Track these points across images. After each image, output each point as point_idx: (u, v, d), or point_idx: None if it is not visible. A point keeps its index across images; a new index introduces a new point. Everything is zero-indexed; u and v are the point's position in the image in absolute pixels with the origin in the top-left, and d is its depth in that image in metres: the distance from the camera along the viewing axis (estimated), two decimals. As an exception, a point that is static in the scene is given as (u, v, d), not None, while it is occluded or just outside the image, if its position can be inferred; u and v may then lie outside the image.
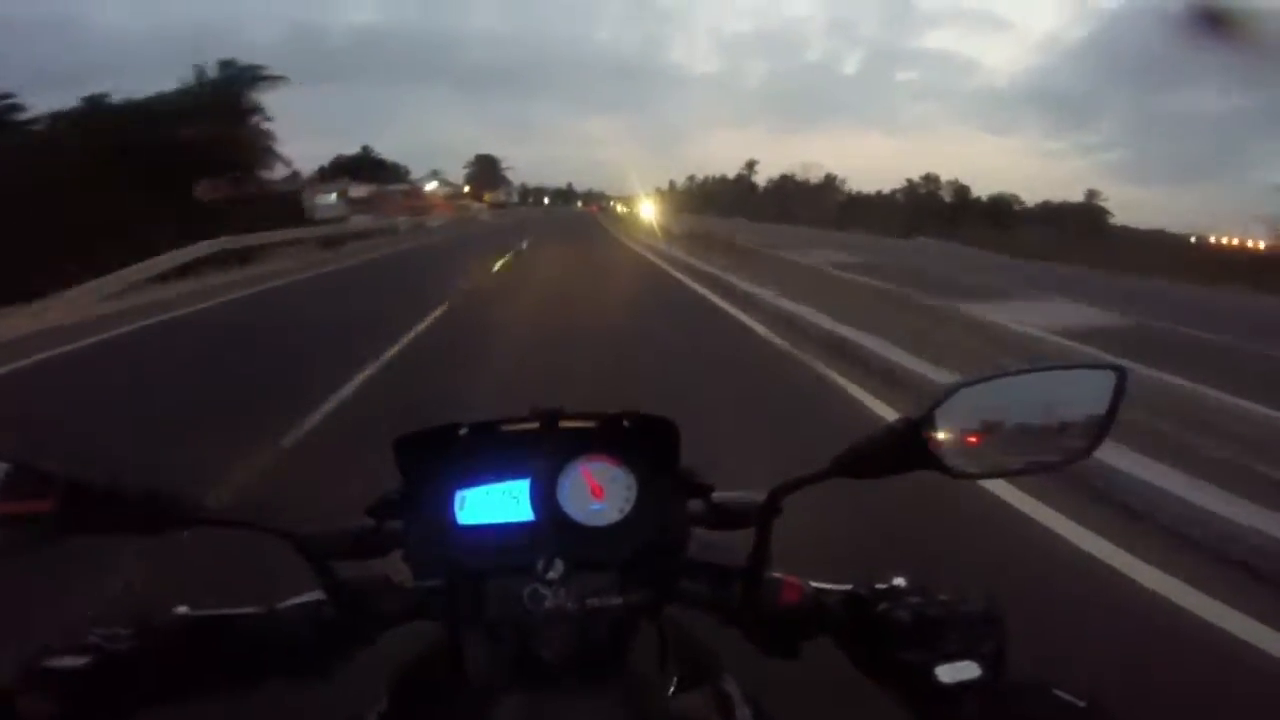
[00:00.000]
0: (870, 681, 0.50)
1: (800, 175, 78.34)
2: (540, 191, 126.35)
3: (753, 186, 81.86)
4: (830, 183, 79.07)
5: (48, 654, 0.43)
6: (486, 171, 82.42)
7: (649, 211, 28.83)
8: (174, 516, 0.46)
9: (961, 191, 68.83)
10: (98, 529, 0.44)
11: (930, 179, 72.26)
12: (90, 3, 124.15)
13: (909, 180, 73.44)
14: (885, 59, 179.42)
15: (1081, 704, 0.42)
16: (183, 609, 0.49)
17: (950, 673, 0.45)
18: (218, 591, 0.57)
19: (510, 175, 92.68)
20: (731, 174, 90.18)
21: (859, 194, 76.53)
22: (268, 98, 24.36)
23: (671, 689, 0.53)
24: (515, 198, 75.46)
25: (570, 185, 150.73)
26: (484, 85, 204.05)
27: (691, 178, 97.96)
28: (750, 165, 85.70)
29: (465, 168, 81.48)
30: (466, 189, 63.88)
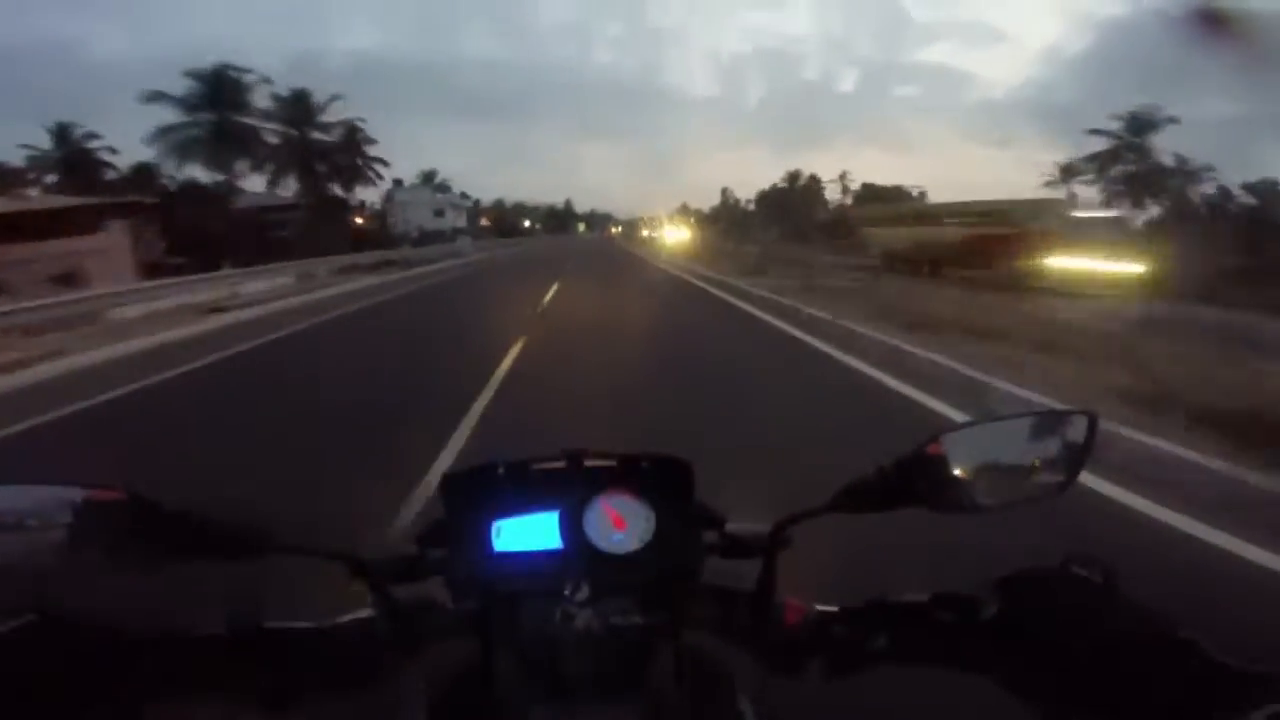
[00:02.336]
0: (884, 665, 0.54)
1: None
2: (523, 212, 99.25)
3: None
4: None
5: (139, 625, 0.48)
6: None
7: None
8: (246, 544, 0.51)
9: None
10: (167, 557, 0.48)
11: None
12: (85, 34, 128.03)
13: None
14: (882, 75, 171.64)
15: (1099, 580, 0.44)
16: (251, 616, 0.52)
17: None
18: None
19: (453, 185, 53.00)
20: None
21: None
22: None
23: (688, 707, 0.57)
24: (464, 232, 41.01)
25: (569, 203, 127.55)
26: (480, 112, 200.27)
27: (792, 174, 57.60)
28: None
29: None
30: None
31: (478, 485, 0.62)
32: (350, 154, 32.71)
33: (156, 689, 0.47)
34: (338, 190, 31.75)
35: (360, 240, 26.85)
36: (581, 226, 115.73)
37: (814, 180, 56.90)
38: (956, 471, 0.52)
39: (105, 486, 0.47)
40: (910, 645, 0.54)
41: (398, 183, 45.57)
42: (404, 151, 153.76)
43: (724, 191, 72.74)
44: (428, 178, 52.91)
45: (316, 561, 0.55)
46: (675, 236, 31.45)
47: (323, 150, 31.20)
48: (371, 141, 33.05)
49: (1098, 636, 0.42)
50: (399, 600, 0.57)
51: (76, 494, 0.46)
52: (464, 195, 53.92)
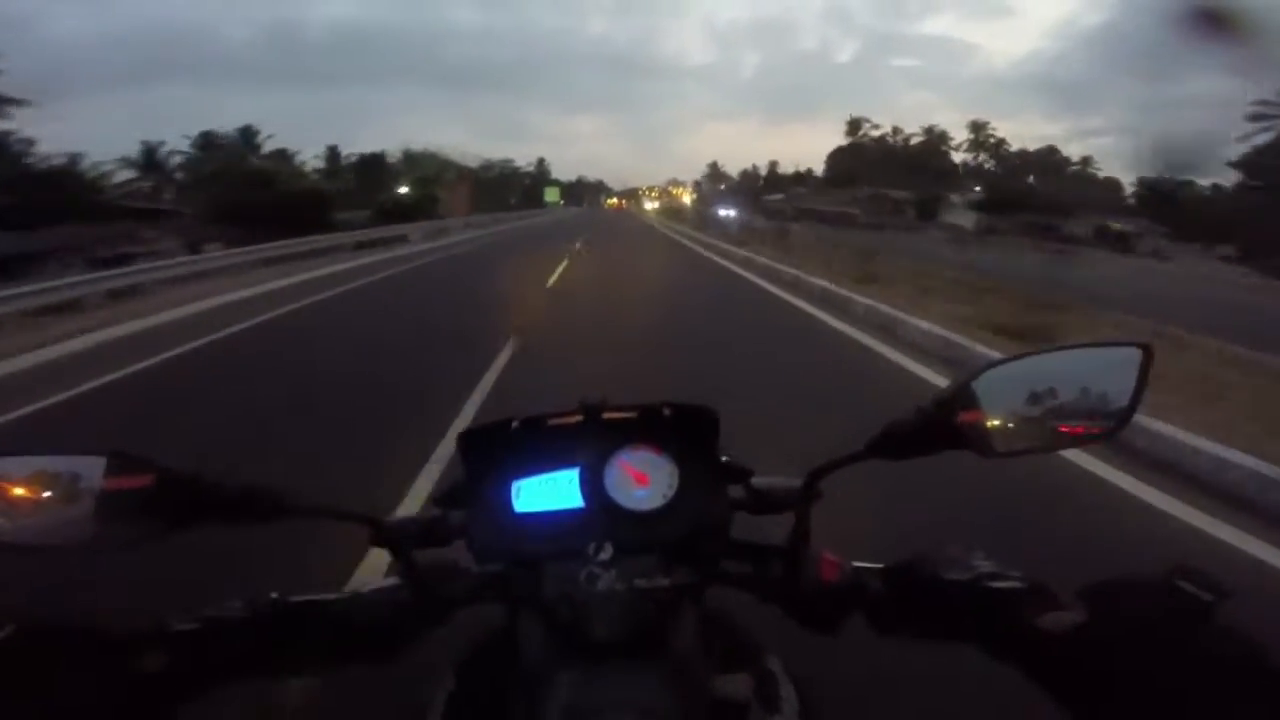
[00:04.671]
0: (926, 640, 0.51)
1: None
2: (455, 175, 59.80)
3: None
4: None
5: (163, 617, 0.47)
6: None
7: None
8: (266, 507, 0.49)
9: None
10: (191, 520, 0.46)
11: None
12: (45, 4, 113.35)
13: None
14: (882, 46, 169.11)
15: (1208, 598, 0.38)
16: (274, 594, 0.52)
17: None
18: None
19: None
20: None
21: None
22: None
23: (716, 667, 0.55)
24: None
25: (543, 163, 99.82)
26: (470, 83, 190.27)
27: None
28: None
29: None
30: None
31: (495, 443, 0.60)
32: None
33: (179, 678, 0.45)
34: None
35: None
36: (553, 196, 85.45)
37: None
38: (1001, 411, 0.49)
39: (124, 455, 0.45)
40: (963, 622, 0.48)
41: None
42: (384, 124, 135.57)
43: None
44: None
45: (341, 532, 0.54)
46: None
47: None
48: None
49: (1194, 667, 0.36)
50: (422, 566, 0.56)
51: (97, 465, 0.45)
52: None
